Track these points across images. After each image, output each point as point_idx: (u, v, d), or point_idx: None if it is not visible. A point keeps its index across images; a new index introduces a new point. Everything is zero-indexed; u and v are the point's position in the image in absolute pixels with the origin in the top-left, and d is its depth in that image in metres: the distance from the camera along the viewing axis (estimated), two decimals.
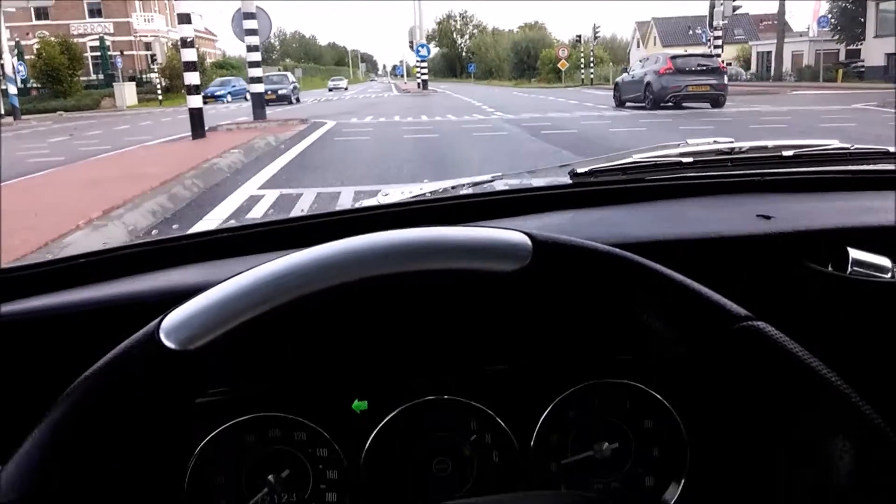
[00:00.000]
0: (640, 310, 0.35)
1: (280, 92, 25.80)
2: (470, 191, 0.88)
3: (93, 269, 0.75)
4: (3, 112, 23.15)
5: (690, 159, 0.87)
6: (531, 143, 9.79)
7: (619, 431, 0.78)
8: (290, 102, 26.38)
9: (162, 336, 0.35)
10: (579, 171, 0.85)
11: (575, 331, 0.72)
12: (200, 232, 0.83)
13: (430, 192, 0.89)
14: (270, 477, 0.74)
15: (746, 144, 0.92)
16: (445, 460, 0.76)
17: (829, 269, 0.71)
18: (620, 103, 17.57)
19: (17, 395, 0.61)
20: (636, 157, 0.86)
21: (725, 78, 16.02)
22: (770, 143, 0.93)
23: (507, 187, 0.92)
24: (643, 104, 16.08)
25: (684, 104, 15.45)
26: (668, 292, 0.35)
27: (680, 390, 0.71)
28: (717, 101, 15.58)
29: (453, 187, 0.90)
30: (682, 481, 0.75)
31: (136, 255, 0.78)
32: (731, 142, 0.94)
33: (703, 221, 0.76)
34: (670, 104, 15.28)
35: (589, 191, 0.84)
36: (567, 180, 0.85)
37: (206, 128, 11.15)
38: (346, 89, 48.64)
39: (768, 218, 0.74)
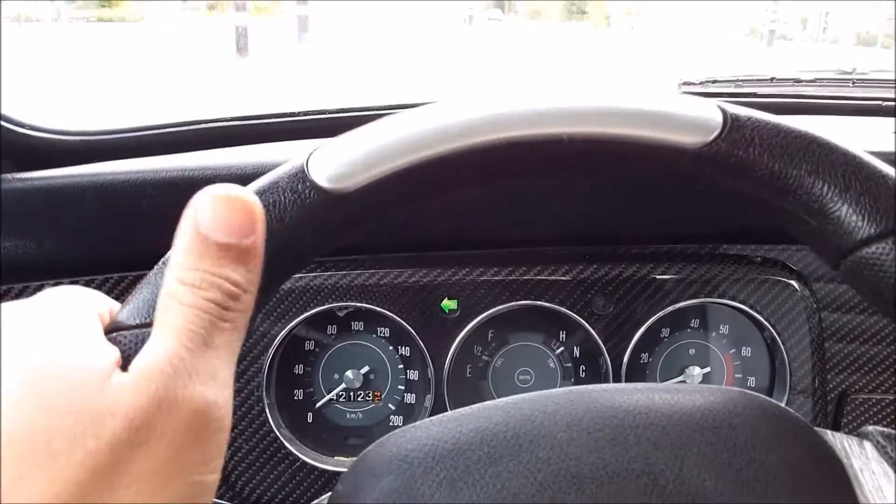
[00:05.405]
0: (839, 206, 0.31)
1: None
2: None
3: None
4: None
5: (810, 76, 0.80)
6: None
7: (713, 357, 0.73)
8: None
9: (310, 171, 0.32)
10: (689, 80, 0.79)
11: (717, 235, 0.70)
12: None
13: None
14: (349, 372, 0.71)
15: (868, 66, 0.85)
16: (528, 371, 0.73)
17: None
18: None
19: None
20: (751, 71, 0.80)
21: None
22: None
23: None
24: None
25: None
26: (882, 183, 0.31)
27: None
28: None
29: None
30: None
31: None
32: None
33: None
34: None
35: None
36: (676, 90, 0.79)
37: None
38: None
39: None
